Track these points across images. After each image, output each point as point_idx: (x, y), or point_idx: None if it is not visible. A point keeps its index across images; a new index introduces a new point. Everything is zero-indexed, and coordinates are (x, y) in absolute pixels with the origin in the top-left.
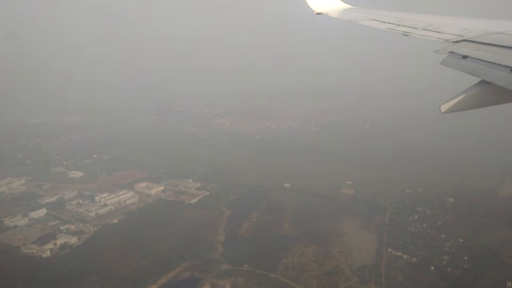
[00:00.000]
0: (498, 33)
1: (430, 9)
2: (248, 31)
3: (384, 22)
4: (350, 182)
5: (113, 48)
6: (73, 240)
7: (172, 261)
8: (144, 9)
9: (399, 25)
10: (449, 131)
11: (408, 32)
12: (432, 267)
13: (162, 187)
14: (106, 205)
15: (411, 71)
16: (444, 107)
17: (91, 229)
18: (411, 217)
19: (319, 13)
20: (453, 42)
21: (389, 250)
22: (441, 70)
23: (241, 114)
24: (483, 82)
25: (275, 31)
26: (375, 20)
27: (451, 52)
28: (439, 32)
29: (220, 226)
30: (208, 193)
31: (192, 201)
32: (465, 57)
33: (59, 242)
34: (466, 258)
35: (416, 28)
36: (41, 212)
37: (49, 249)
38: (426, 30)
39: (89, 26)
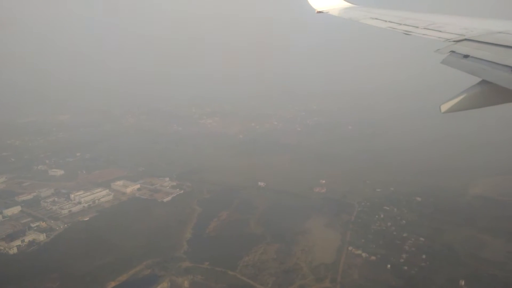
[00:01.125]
0: (500, 32)
1: (431, 8)
2: (246, 33)
3: (385, 21)
4: (324, 181)
5: (107, 49)
6: (42, 237)
7: (135, 259)
8: (141, 11)
9: (400, 24)
10: (433, 132)
11: (409, 31)
12: (389, 265)
13: (138, 186)
14: (80, 202)
15: (411, 70)
16: (444, 107)
17: (61, 227)
18: (377, 216)
19: (320, 12)
20: (454, 41)
21: (350, 248)
22: (442, 70)
23: (228, 114)
24: (484, 82)
25: (276, 33)
26: (376, 19)
27: (452, 52)
28: (440, 31)
29: (188, 224)
30: (182, 191)
31: (165, 200)
32: (466, 56)
33: (28, 239)
34: (424, 256)
35: (417, 27)
36: (16, 209)
37: (16, 246)
38: (427, 29)
39: (82, 27)
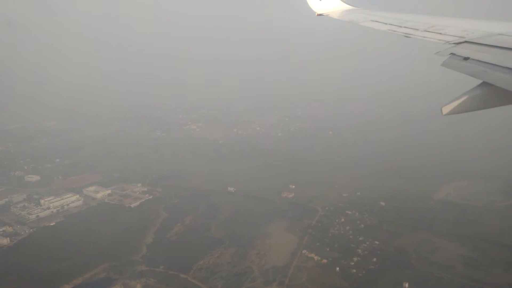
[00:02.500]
0: (500, 34)
1: (431, 10)
2: (243, 39)
3: (386, 24)
4: (293, 186)
5: (102, 55)
6: (5, 241)
7: (93, 262)
8: (138, 16)
9: (400, 27)
10: (413, 138)
11: (409, 34)
12: (338, 268)
13: (109, 191)
14: (49, 208)
15: (410, 74)
16: (446, 109)
17: (27, 231)
18: (337, 220)
19: (320, 15)
20: (454, 43)
21: (303, 251)
22: (440, 73)
23: (213, 120)
24: (484, 84)
25: (274, 38)
26: (376, 21)
27: (452, 54)
28: (440, 33)
29: (151, 229)
30: (151, 197)
31: (132, 205)
32: (466, 58)
33: None
34: (375, 259)
35: (417, 30)
36: None
37: None
38: (427, 31)
39: (77, 32)
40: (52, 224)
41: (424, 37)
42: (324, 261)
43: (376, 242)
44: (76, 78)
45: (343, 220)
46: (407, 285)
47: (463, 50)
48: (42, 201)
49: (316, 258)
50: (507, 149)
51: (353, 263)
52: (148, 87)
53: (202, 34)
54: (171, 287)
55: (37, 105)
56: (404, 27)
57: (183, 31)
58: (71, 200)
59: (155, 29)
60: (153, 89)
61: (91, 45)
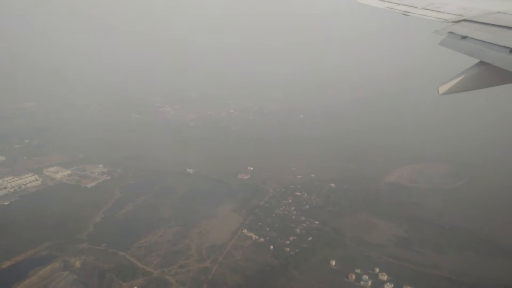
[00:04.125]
0: (499, 12)
1: None
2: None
3: (384, 1)
4: (252, 168)
5: (94, 42)
6: None
7: (38, 240)
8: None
9: (398, 4)
10: (380, 120)
11: (408, 12)
12: (272, 247)
13: (69, 172)
14: (5, 187)
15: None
16: (442, 89)
17: None
18: (285, 201)
19: None
20: (453, 22)
21: (244, 231)
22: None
23: (190, 102)
24: (482, 63)
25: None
26: None
27: (451, 33)
28: (439, 11)
29: (102, 209)
30: (109, 177)
31: (89, 185)
32: (464, 37)
33: None
34: (310, 238)
35: (415, 7)
36: None
37: None
38: (426, 9)
39: (68, 18)
40: (6, 203)
41: (422, 15)
42: (262, 240)
43: (316, 222)
44: (63, 61)
45: (290, 201)
46: (334, 262)
47: (461, 29)
48: (0, 181)
49: (254, 237)
50: (471, 134)
51: (288, 242)
52: (139, 72)
53: (206, 24)
54: (108, 264)
55: (20, 86)
56: (402, 4)
57: (186, 19)
58: (29, 180)
59: (154, 17)
60: (143, 74)
61: (80, 28)
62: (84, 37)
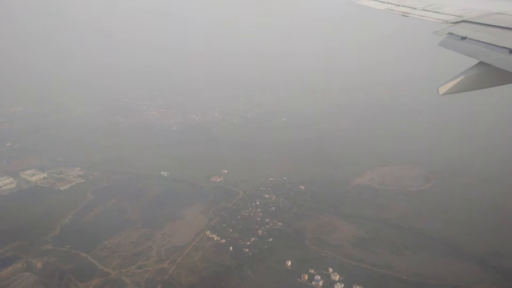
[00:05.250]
0: (498, 13)
1: None
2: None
3: (383, 2)
4: (226, 171)
5: (79, 44)
6: None
7: (3, 242)
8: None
9: (398, 5)
10: (361, 123)
11: (407, 13)
12: (231, 248)
13: (45, 175)
14: None
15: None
16: (442, 89)
17: None
18: (253, 203)
19: None
20: (452, 23)
21: (207, 232)
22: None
23: (177, 106)
24: (481, 63)
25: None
26: (374, 0)
27: (450, 34)
28: (438, 12)
29: (72, 211)
30: (84, 180)
31: (62, 188)
32: (464, 38)
33: None
34: (271, 239)
35: (415, 9)
36: None
37: None
38: (425, 10)
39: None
40: None
41: (422, 16)
42: (223, 241)
43: (280, 224)
44: (52, 63)
45: (258, 203)
46: (289, 263)
47: (461, 30)
48: None
49: (216, 238)
50: (453, 139)
51: (249, 243)
52: (130, 75)
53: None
54: (68, 265)
55: (8, 89)
56: (402, 5)
57: (182, 24)
58: (5, 183)
59: (151, 21)
60: (135, 77)
61: (70, 30)
62: (76, 40)
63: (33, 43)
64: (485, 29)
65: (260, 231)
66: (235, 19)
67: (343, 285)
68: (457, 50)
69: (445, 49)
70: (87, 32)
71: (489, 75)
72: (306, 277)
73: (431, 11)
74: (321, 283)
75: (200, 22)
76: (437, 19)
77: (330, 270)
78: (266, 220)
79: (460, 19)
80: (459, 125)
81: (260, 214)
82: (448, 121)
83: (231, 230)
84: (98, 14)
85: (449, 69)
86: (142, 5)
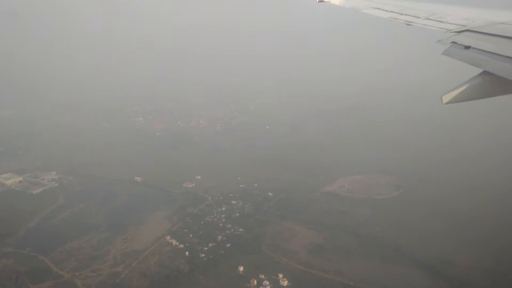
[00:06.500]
0: (501, 23)
1: None
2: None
3: (387, 11)
4: (199, 177)
5: (75, 48)
6: None
7: None
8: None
9: (401, 14)
10: (343, 131)
11: (411, 22)
12: (187, 253)
13: (20, 178)
14: None
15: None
16: (446, 98)
17: None
18: (219, 209)
19: (321, 1)
20: (456, 32)
21: (167, 237)
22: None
23: (164, 112)
24: (485, 73)
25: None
26: (377, 8)
27: (454, 43)
28: (441, 21)
29: (39, 215)
30: (57, 184)
31: (34, 192)
32: (467, 47)
33: None
34: (228, 245)
35: (418, 17)
36: None
37: None
38: (428, 19)
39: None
40: None
41: (425, 25)
42: (181, 246)
43: (241, 230)
44: (50, 67)
45: (223, 209)
46: (242, 268)
47: (464, 39)
48: None
49: (174, 243)
50: (426, 146)
51: (206, 248)
52: (123, 81)
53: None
54: (25, 267)
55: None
56: (406, 14)
57: (181, 30)
58: None
59: (151, 27)
60: (127, 83)
61: (64, 34)
62: (72, 44)
63: (26, 45)
64: (489, 38)
65: (219, 237)
66: (235, 24)
67: None
68: (461, 59)
69: (443, 59)
70: (81, 36)
71: (493, 84)
72: (255, 282)
73: (434, 20)
74: None
75: (199, 24)
76: (440, 28)
77: (280, 275)
78: (228, 226)
79: (464, 28)
80: (443, 135)
81: (223, 220)
82: (432, 130)
83: (191, 236)
84: (93, 18)
85: (443, 79)
86: (139, 9)
